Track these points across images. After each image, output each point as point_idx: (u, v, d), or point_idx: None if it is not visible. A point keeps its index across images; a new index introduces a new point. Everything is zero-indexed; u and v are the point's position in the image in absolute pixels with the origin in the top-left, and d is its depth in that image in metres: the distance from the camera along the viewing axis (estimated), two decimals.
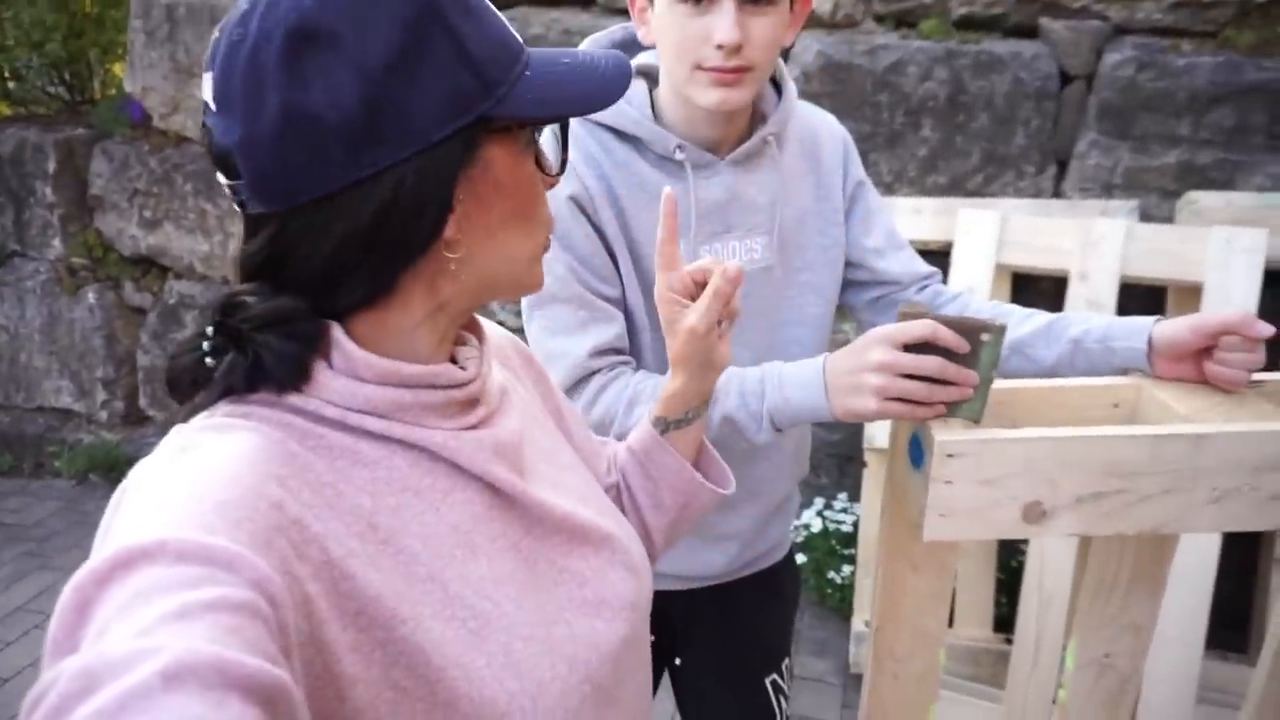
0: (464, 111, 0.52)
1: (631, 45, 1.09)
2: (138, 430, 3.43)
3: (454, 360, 0.61)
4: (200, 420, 0.51)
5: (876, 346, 0.88)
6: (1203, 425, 0.87)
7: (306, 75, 0.48)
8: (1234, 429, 0.86)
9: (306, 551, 0.48)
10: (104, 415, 3.43)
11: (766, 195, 1.08)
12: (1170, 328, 0.95)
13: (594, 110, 0.58)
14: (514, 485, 0.60)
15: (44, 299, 3.36)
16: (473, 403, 0.60)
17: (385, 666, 0.50)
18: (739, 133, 1.07)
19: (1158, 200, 2.31)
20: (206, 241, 3.20)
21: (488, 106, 0.53)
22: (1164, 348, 0.95)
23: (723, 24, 0.93)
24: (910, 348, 0.87)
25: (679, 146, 1.03)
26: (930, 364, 0.85)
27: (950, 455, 0.86)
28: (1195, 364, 0.95)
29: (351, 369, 0.54)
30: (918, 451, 0.92)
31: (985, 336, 0.86)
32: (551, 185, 0.62)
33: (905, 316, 0.88)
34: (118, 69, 3.70)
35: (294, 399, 0.53)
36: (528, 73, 0.55)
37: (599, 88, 0.58)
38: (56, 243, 3.35)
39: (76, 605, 0.38)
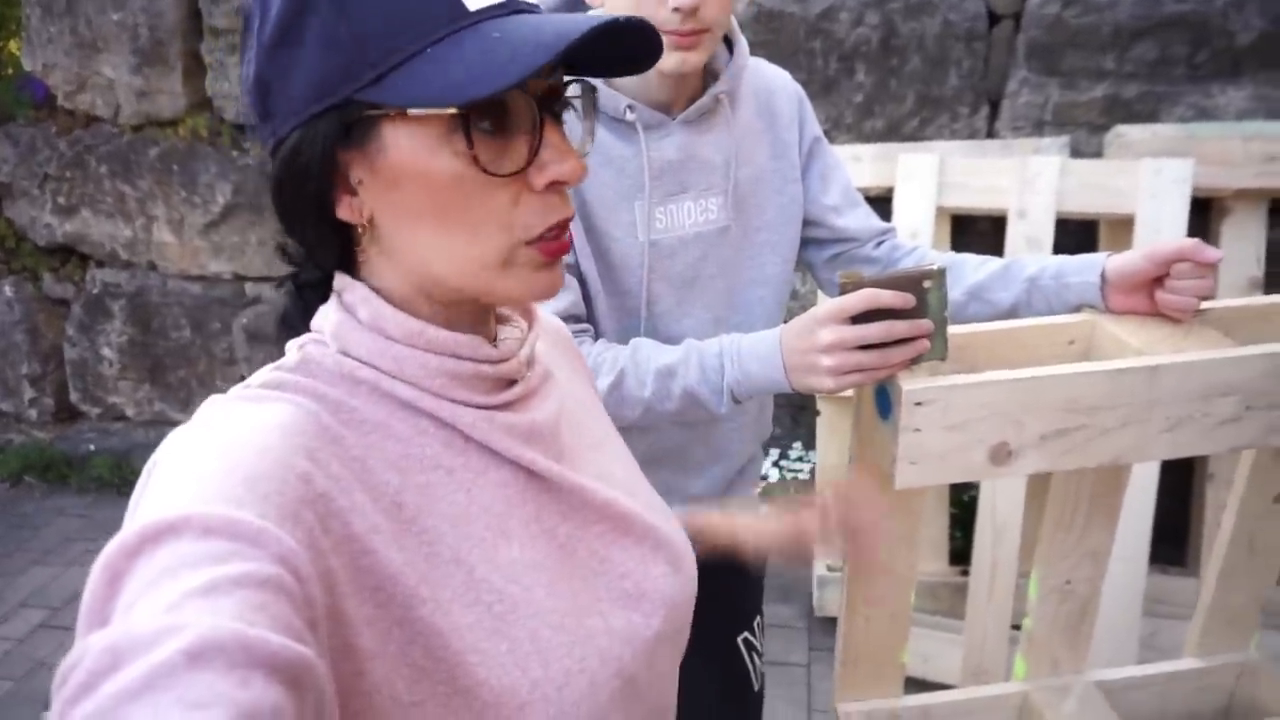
0: (329, 93, 0.50)
1: (579, 4, 1.06)
2: (71, 427, 3.30)
3: (493, 341, 0.60)
4: (237, 390, 0.52)
5: (822, 326, 0.90)
6: (1155, 357, 0.90)
7: (243, 50, 0.54)
8: (1185, 359, 0.90)
9: (330, 525, 0.47)
10: (33, 414, 3.29)
11: (721, 154, 1.07)
12: (1123, 259, 0.97)
13: (464, 100, 0.48)
14: (550, 469, 0.59)
15: None
16: (506, 382, 0.59)
17: (402, 644, 0.49)
18: (691, 92, 1.05)
19: (1086, 135, 2.36)
20: (128, 226, 3.06)
21: (355, 89, 0.50)
22: (1117, 279, 0.98)
23: None
24: (858, 316, 0.88)
25: (629, 107, 1.01)
26: (876, 331, 0.87)
27: (918, 404, 0.87)
28: (1147, 295, 0.98)
29: (377, 323, 0.54)
30: (885, 402, 0.93)
31: (927, 283, 0.87)
32: (553, 181, 0.52)
33: (844, 288, 0.89)
34: (13, 47, 3.49)
35: (328, 362, 0.54)
36: (429, 49, 0.49)
37: (486, 72, 0.47)
38: None
39: (107, 578, 0.39)
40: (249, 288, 3.07)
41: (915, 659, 2.10)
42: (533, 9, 0.53)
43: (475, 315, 0.58)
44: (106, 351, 3.18)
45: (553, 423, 0.61)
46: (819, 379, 0.91)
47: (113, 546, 0.39)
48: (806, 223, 1.16)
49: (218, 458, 0.45)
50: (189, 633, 0.34)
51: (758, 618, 1.32)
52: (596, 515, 0.61)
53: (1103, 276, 0.99)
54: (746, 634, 1.29)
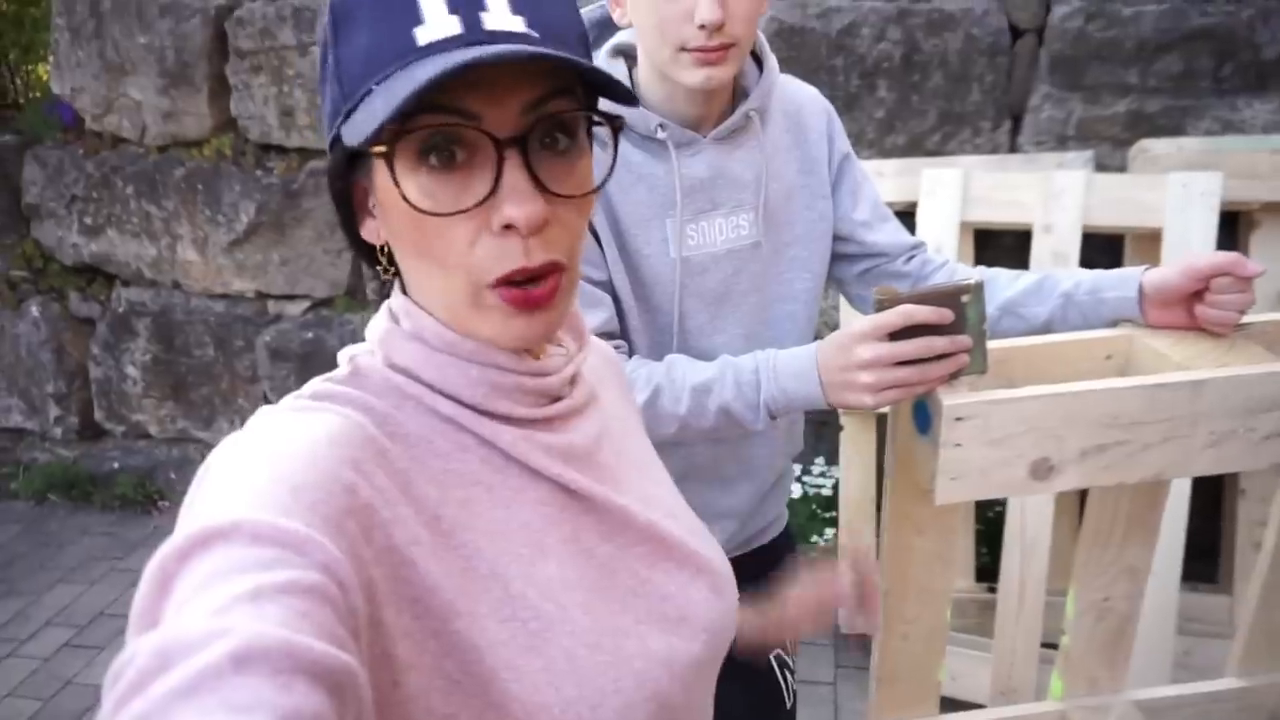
0: (331, 124, 0.54)
1: (607, 25, 1.07)
2: (95, 445, 3.33)
3: (537, 358, 0.60)
4: (288, 400, 0.53)
5: (860, 343, 0.89)
6: (1199, 372, 0.89)
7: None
8: (1228, 373, 0.89)
9: (373, 535, 0.48)
10: (58, 432, 3.32)
11: (751, 171, 1.07)
12: (1160, 274, 0.96)
13: (361, 140, 0.48)
14: (591, 489, 0.59)
15: None
16: (550, 398, 0.59)
17: (438, 657, 0.49)
18: (721, 109, 1.05)
19: (1110, 149, 2.35)
20: (153, 246, 3.09)
21: (339, 124, 0.53)
22: (1155, 294, 0.97)
23: (704, 3, 0.91)
24: (896, 332, 0.87)
25: (660, 125, 1.02)
26: (914, 348, 0.87)
27: (959, 419, 0.87)
28: (1186, 309, 0.97)
29: (418, 332, 0.55)
30: (924, 417, 0.92)
31: (965, 298, 0.87)
32: (504, 223, 0.50)
33: (880, 304, 0.88)
34: (42, 71, 3.55)
35: (376, 376, 0.56)
36: (375, 86, 0.49)
37: (382, 109, 0.47)
38: None
39: (160, 580, 0.40)
40: (271, 306, 3.09)
41: (944, 677, 2.08)
42: (507, 37, 0.49)
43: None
44: (131, 370, 3.21)
45: (592, 444, 0.61)
46: (858, 396, 0.91)
47: (165, 549, 0.40)
48: (836, 238, 1.16)
49: (267, 466, 0.46)
50: (235, 637, 0.35)
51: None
52: (637, 537, 0.61)
53: (1140, 291, 0.98)
54: (779, 650, 1.28)
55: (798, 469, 2.66)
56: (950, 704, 2.02)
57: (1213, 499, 2.23)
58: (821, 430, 2.69)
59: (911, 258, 1.17)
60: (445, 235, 0.51)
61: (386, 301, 0.59)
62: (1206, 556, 2.25)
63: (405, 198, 0.50)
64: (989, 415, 0.87)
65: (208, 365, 3.14)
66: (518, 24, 0.50)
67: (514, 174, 0.50)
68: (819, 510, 2.57)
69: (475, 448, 0.56)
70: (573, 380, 0.61)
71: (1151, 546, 1.13)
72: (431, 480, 0.53)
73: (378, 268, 0.58)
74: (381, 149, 0.49)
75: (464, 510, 0.53)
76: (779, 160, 1.10)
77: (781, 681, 1.28)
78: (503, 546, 0.54)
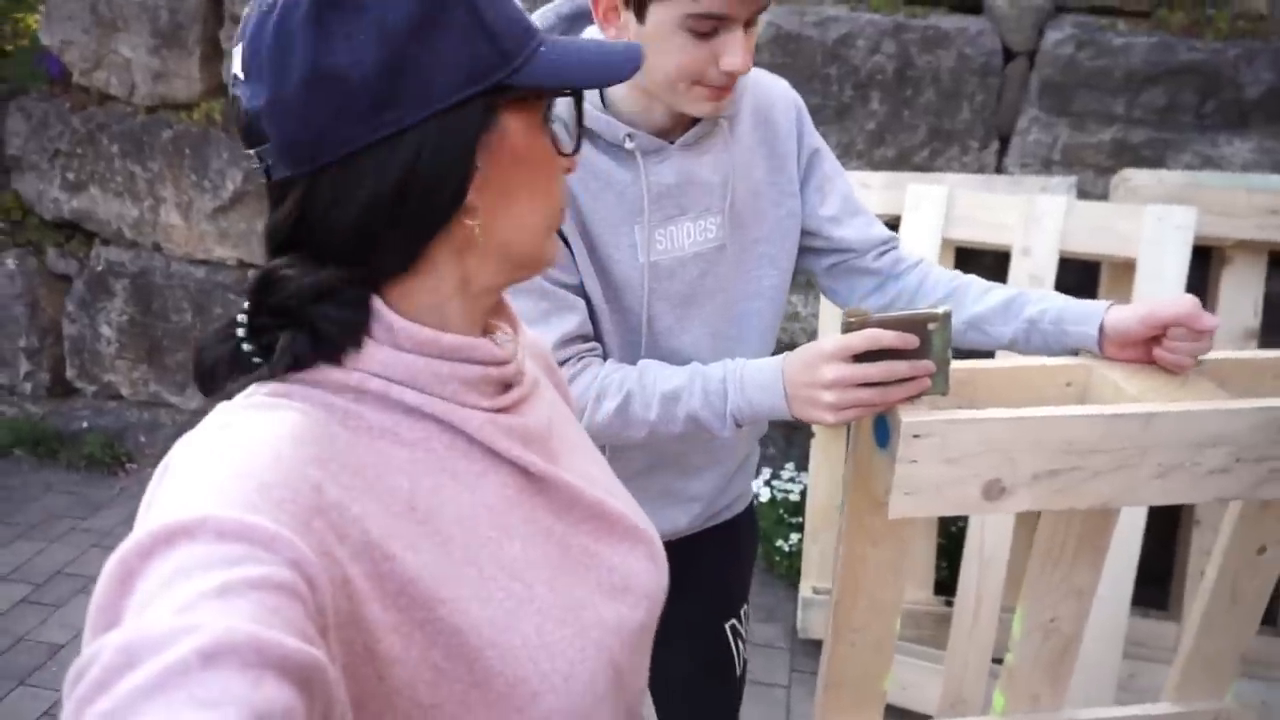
0: (481, 78, 0.53)
1: (580, 18, 1.08)
2: (65, 403, 3.30)
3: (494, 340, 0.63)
4: (242, 399, 0.52)
5: (825, 364, 0.92)
6: (1152, 405, 0.91)
7: (331, 36, 0.50)
8: (1179, 408, 0.91)
9: (347, 532, 0.48)
10: (28, 387, 3.29)
11: (719, 174, 1.09)
12: (1120, 319, 0.99)
13: (604, 83, 0.60)
14: (545, 469, 0.61)
15: None
16: (507, 385, 0.61)
17: (424, 647, 0.50)
18: (691, 116, 1.06)
19: (1093, 176, 2.38)
20: (136, 206, 3.07)
21: (504, 75, 0.54)
22: (1114, 335, 1.00)
23: (736, 52, 0.94)
24: (861, 353, 0.89)
25: (629, 135, 1.03)
26: (878, 371, 0.89)
27: (917, 436, 0.89)
28: (1144, 348, 1.00)
29: (392, 339, 0.55)
30: (883, 432, 0.94)
31: (932, 326, 0.89)
32: (568, 167, 0.63)
33: (849, 326, 0.90)
34: (31, 20, 3.50)
35: (337, 374, 0.54)
36: (542, 49, 0.57)
37: (607, 65, 0.60)
38: None
39: (120, 576, 0.39)
40: (253, 274, 3.08)
41: (894, 687, 2.11)
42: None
43: (484, 318, 0.62)
44: (106, 330, 3.19)
45: (544, 427, 0.64)
46: (819, 413, 0.93)
47: (126, 547, 0.40)
48: (805, 233, 1.17)
49: (232, 463, 0.45)
50: (203, 633, 0.35)
51: (744, 605, 1.36)
52: (585, 513, 0.64)
53: (1100, 329, 1.00)
54: (734, 620, 1.33)
55: (768, 473, 2.68)
56: (900, 713, 2.05)
57: (1168, 526, 2.27)
58: (792, 436, 2.71)
59: (883, 254, 1.18)
60: (557, 171, 0.61)
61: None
62: (1159, 583, 2.30)
63: (580, 137, 0.63)
64: (946, 434, 0.89)
65: (184, 330, 3.12)
66: None
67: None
68: (786, 515, 2.60)
69: (440, 434, 0.57)
70: (522, 367, 0.64)
71: (1099, 569, 1.15)
72: (400, 471, 0.54)
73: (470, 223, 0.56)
74: (565, 93, 0.60)
75: (434, 498, 0.55)
76: (746, 160, 1.11)
77: (734, 649, 1.33)
78: (472, 530, 0.56)
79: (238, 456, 0.46)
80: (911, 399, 0.91)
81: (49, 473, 3.12)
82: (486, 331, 0.63)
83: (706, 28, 0.93)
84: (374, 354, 0.55)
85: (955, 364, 0.96)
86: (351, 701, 0.46)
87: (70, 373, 3.28)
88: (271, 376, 0.53)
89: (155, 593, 0.38)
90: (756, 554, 1.46)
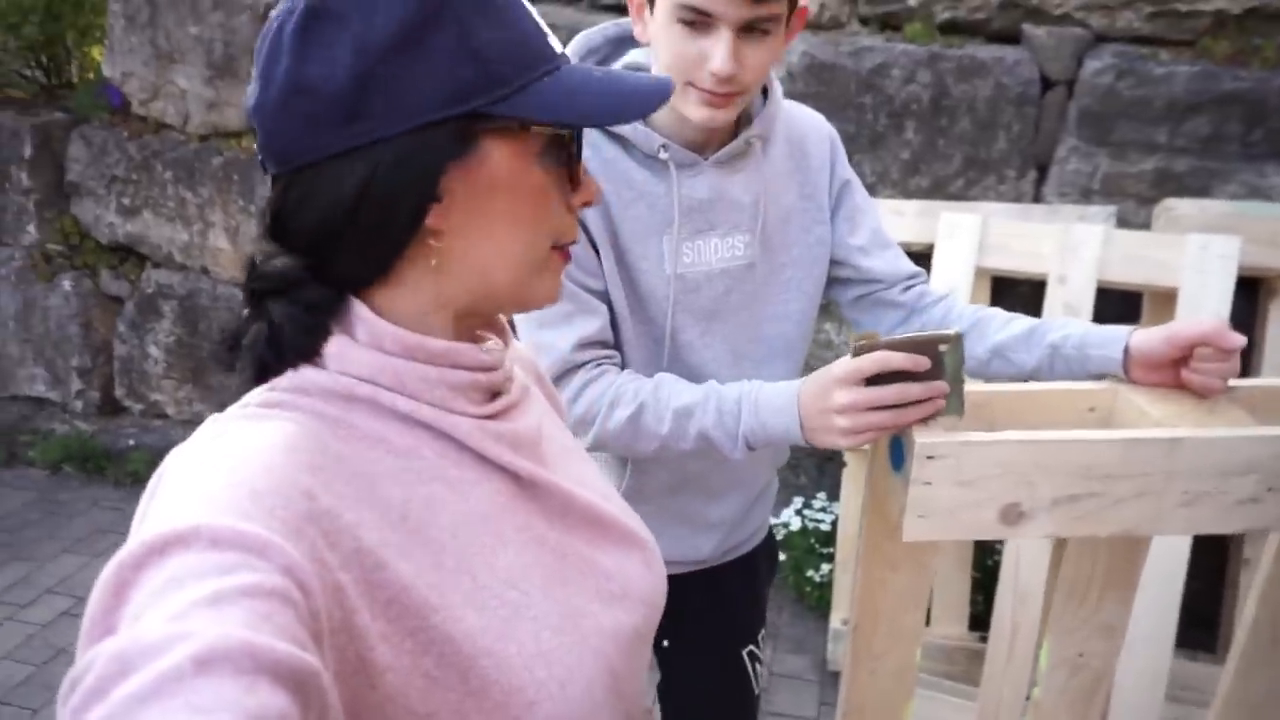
0: (458, 101, 0.53)
1: (625, 41, 1.10)
2: (113, 421, 3.39)
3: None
4: (235, 410, 0.53)
5: (837, 389, 0.91)
6: (1175, 430, 0.89)
7: (311, 47, 0.52)
8: (1205, 434, 0.88)
9: (338, 540, 0.48)
10: (79, 405, 3.39)
11: (750, 194, 1.09)
12: (1145, 339, 0.97)
13: (608, 122, 0.59)
14: (538, 475, 0.61)
15: (19, 286, 3.32)
16: (494, 392, 0.62)
17: (415, 655, 0.50)
18: (725, 133, 1.08)
19: (1135, 206, 2.34)
20: (186, 230, 3.17)
21: (485, 102, 0.53)
22: (1139, 358, 0.97)
23: (719, 54, 0.94)
24: (875, 376, 0.89)
25: (663, 146, 1.04)
26: (890, 394, 0.88)
27: (930, 457, 0.87)
28: (1171, 371, 0.97)
29: (376, 341, 0.56)
30: (898, 454, 0.93)
31: (943, 347, 0.88)
32: (585, 200, 0.61)
33: (859, 350, 0.90)
34: (96, 53, 3.65)
35: (323, 379, 0.54)
36: (547, 78, 0.55)
37: (615, 104, 0.57)
38: (32, 229, 3.31)
39: (114, 587, 0.39)
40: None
41: None
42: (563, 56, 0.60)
43: (471, 333, 0.62)
44: (154, 350, 3.28)
45: (535, 433, 0.64)
46: (833, 438, 0.93)
47: (121, 556, 0.40)
48: (833, 263, 1.17)
49: (223, 473, 0.46)
50: (197, 640, 0.35)
51: (761, 630, 1.36)
52: (579, 519, 0.64)
53: (1125, 352, 0.98)
54: (751, 646, 1.33)
55: (799, 501, 2.66)
56: None
57: (1216, 565, 2.20)
58: (824, 465, 2.68)
59: (909, 288, 1.18)
60: (554, 206, 0.60)
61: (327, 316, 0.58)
62: (1207, 625, 2.21)
63: (572, 177, 0.60)
64: (961, 456, 0.87)
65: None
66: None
67: (580, 163, 0.61)
68: (817, 545, 2.56)
69: (431, 441, 0.57)
70: (510, 374, 0.64)
71: (1128, 606, 1.12)
72: (392, 479, 0.54)
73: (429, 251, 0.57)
74: (561, 131, 0.58)
75: (427, 506, 0.55)
76: (779, 184, 1.12)
77: (751, 674, 1.33)
78: (466, 538, 0.56)
79: (230, 465, 0.46)
80: (926, 421, 0.90)
81: (96, 488, 3.21)
82: (474, 341, 0.63)
83: (693, 19, 0.94)
84: (358, 356, 0.55)
85: (973, 387, 0.95)
86: (345, 709, 0.46)
87: (119, 391, 3.37)
88: (256, 380, 0.54)
89: (149, 602, 0.38)
90: (774, 579, 1.46)
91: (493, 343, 0.64)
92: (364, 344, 0.55)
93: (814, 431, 0.95)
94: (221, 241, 3.13)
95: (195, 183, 3.11)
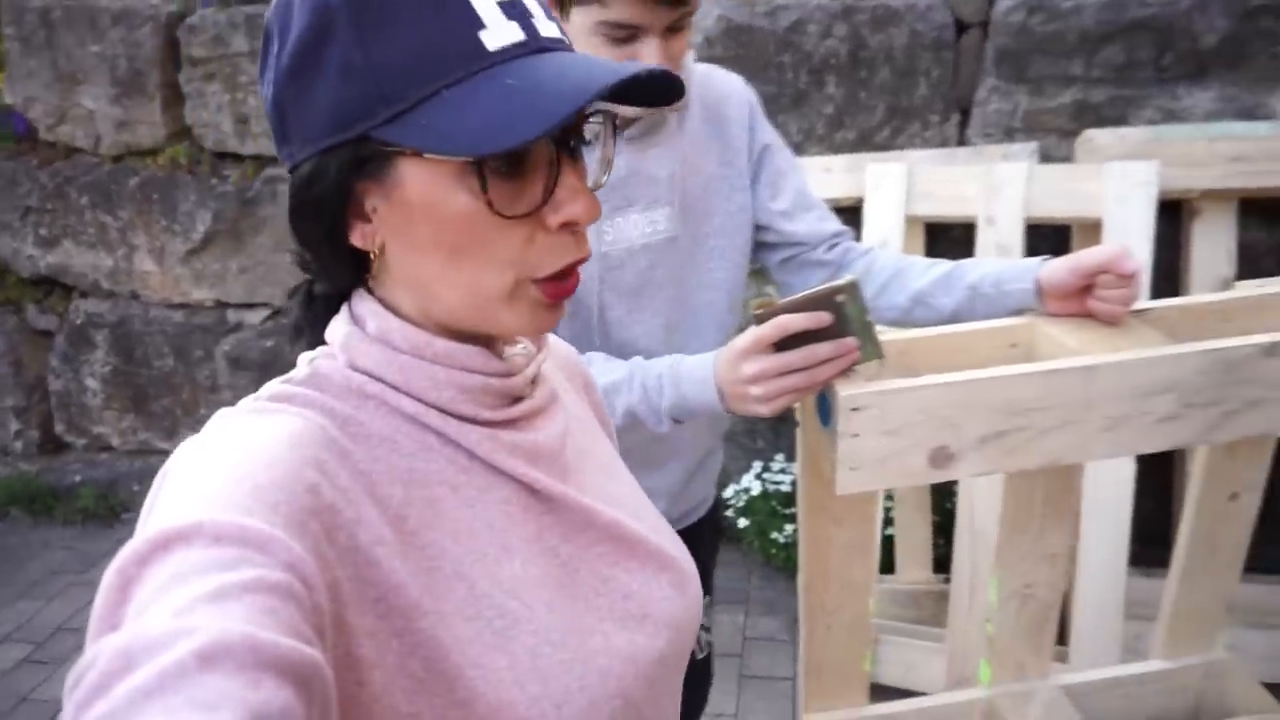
0: (346, 125, 0.50)
1: None
2: (56, 459, 3.30)
3: (501, 356, 0.59)
4: (245, 403, 0.53)
5: (743, 360, 0.91)
6: (1090, 358, 0.90)
7: (262, 71, 0.54)
8: (1119, 358, 0.90)
9: (336, 536, 0.48)
10: (19, 445, 3.29)
11: (667, 168, 1.09)
12: (1052, 270, 0.98)
13: (479, 152, 0.48)
14: (553, 488, 0.59)
15: None
16: (513, 398, 0.59)
17: (401, 655, 0.50)
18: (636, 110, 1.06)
19: (1057, 140, 2.37)
20: (110, 256, 3.07)
21: (371, 126, 0.49)
22: (1049, 289, 0.99)
23: (650, 59, 0.93)
24: (783, 340, 0.88)
25: None
26: (798, 357, 0.88)
27: (855, 409, 0.87)
28: (1082, 300, 0.98)
29: (384, 335, 0.55)
30: (825, 409, 0.93)
31: (840, 298, 0.87)
32: (566, 222, 0.52)
33: (757, 318, 0.90)
34: None
35: (337, 376, 0.55)
36: (445, 91, 0.48)
37: (503, 124, 0.47)
38: None
39: (118, 584, 0.39)
40: (230, 314, 3.08)
41: (898, 668, 2.09)
42: (556, 45, 0.52)
43: (488, 338, 0.58)
44: (90, 382, 3.19)
45: (557, 443, 0.60)
46: (753, 406, 0.93)
47: (124, 554, 0.40)
48: (757, 227, 1.17)
49: (228, 468, 0.45)
50: (200, 635, 0.35)
51: (707, 598, 1.35)
52: (599, 536, 0.61)
53: (1037, 284, 0.99)
54: None
55: (759, 465, 2.67)
56: (906, 695, 2.03)
57: (1163, 483, 2.25)
58: (780, 427, 2.70)
59: (833, 246, 1.18)
60: (504, 236, 0.51)
61: (345, 304, 0.57)
62: (1162, 542, 2.27)
63: (491, 205, 0.50)
64: (885, 405, 0.87)
65: (168, 376, 3.13)
66: (555, 31, 0.53)
67: (568, 174, 0.52)
68: (779, 506, 2.58)
69: (440, 447, 0.55)
70: (534, 380, 0.61)
71: (1070, 532, 1.14)
72: (396, 480, 0.53)
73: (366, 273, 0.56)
74: (469, 158, 0.49)
75: (429, 510, 0.53)
76: (697, 153, 1.11)
77: (697, 642, 1.32)
78: (468, 545, 0.54)
79: (234, 460, 0.46)
80: (847, 373, 0.90)
81: (45, 529, 3.12)
82: (506, 343, 0.60)
83: (621, 34, 0.93)
84: (366, 348, 0.55)
85: (893, 335, 0.95)
86: (337, 705, 0.45)
87: (59, 428, 3.28)
88: (292, 347, 0.59)
89: (152, 598, 0.38)
90: (718, 548, 1.47)
91: (521, 345, 0.62)
92: (373, 337, 0.55)
93: (732, 401, 0.95)
94: (148, 264, 3.04)
95: (113, 206, 3.02)
